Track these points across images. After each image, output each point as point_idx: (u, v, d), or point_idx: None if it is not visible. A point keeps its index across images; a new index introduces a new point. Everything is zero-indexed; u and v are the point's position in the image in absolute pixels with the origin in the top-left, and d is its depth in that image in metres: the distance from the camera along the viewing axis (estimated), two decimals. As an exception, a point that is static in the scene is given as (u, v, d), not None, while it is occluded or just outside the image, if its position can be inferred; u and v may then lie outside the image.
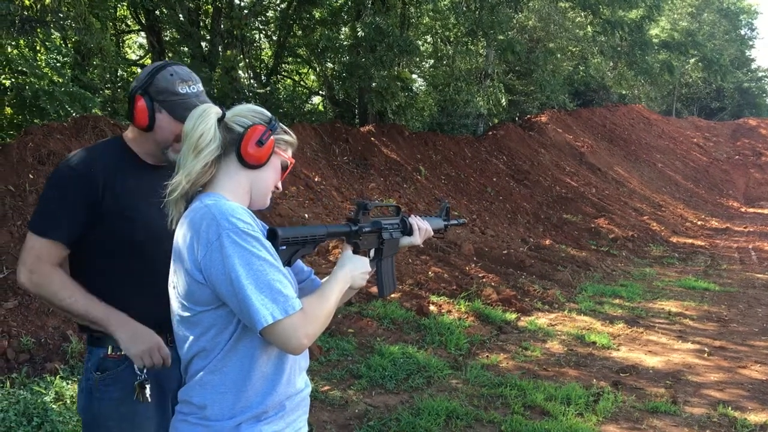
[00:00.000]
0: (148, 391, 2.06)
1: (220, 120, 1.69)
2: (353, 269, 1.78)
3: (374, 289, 7.15)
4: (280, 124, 1.76)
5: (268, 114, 1.74)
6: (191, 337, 1.62)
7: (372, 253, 1.98)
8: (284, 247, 1.66)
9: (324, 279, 1.79)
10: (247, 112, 1.72)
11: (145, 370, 2.07)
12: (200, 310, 1.59)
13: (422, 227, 2.10)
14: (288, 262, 1.68)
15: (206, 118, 1.65)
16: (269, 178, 1.75)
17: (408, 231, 2.08)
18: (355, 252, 1.86)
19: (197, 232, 1.55)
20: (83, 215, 2.03)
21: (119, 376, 2.06)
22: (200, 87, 2.17)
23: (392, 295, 7.27)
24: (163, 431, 2.13)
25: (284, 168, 1.79)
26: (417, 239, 2.09)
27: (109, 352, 2.07)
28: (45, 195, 2.08)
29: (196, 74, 2.18)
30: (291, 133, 1.82)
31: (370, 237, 1.93)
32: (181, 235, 1.61)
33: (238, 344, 1.59)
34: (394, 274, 2.10)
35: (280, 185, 1.80)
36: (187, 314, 1.61)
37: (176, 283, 1.63)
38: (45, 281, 2.02)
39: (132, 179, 2.10)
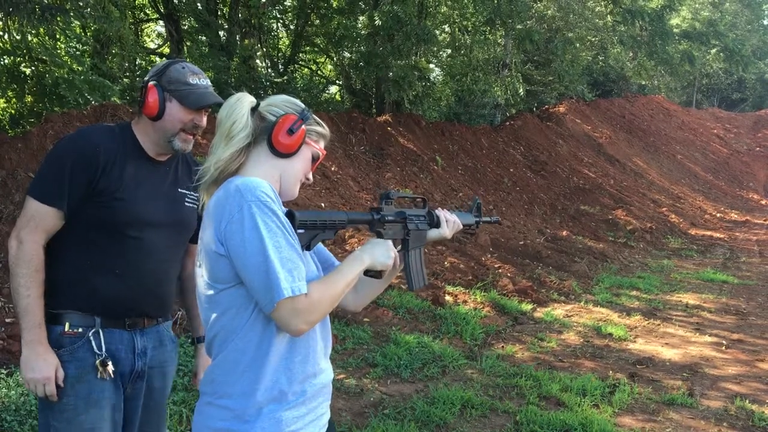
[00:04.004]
0: (110, 368, 2.11)
1: (254, 109, 1.71)
2: (367, 249, 1.76)
3: (393, 280, 7.15)
4: (314, 115, 1.77)
5: (302, 105, 1.76)
6: (213, 316, 1.65)
7: (399, 245, 1.95)
8: (303, 231, 1.67)
9: None
10: (280, 102, 1.74)
11: (104, 348, 2.12)
12: (221, 288, 1.61)
13: (450, 219, 2.06)
14: (308, 246, 1.68)
15: (239, 106, 1.68)
16: (299, 168, 1.76)
17: (435, 223, 2.03)
18: None
19: (222, 205, 1.58)
20: (82, 190, 2.08)
21: (75, 353, 2.10)
22: (209, 82, 2.25)
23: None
24: (118, 413, 2.18)
25: (315, 159, 1.80)
26: (446, 231, 2.03)
27: (66, 329, 2.10)
28: (48, 164, 2.13)
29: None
30: (323, 124, 1.82)
31: (394, 227, 1.91)
32: (207, 212, 1.64)
33: (257, 325, 1.61)
34: (423, 268, 2.03)
35: (310, 176, 1.81)
36: (210, 292, 1.64)
37: (201, 261, 1.66)
38: (23, 260, 2.06)
39: (131, 166, 2.16)
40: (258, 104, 1.73)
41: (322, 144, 1.82)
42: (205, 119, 2.23)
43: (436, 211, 2.05)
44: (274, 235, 1.53)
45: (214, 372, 1.67)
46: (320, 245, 1.91)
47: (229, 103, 1.70)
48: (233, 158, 1.67)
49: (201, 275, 1.67)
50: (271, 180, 1.70)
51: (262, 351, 1.61)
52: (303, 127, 1.71)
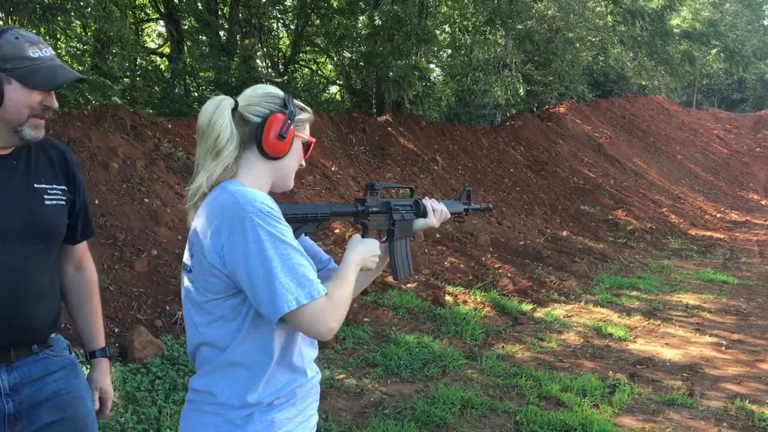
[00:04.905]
0: None
1: (234, 110, 1.63)
2: (363, 251, 1.74)
3: (390, 279, 7.17)
4: (295, 101, 1.70)
5: (281, 94, 1.68)
6: (200, 324, 1.61)
7: (385, 236, 1.95)
8: None
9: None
10: (260, 100, 1.65)
11: None
12: (211, 298, 1.56)
13: (437, 209, 2.05)
14: None
15: (220, 117, 1.59)
16: (293, 162, 1.72)
17: (422, 213, 2.02)
18: (364, 233, 1.85)
19: (219, 217, 1.52)
20: None
21: None
22: (51, 50, 1.84)
23: (408, 285, 7.27)
24: None
25: (306, 147, 1.76)
26: (432, 220, 2.03)
27: None
28: None
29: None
30: (306, 108, 1.75)
31: (379, 218, 1.90)
32: (200, 221, 1.58)
33: (249, 334, 1.57)
34: (409, 258, 2.02)
35: (303, 162, 1.77)
36: (198, 300, 1.60)
37: (192, 267, 1.61)
38: None
39: None
40: (236, 104, 1.64)
41: (308, 129, 1.76)
42: (54, 98, 1.86)
43: (423, 200, 2.04)
44: (278, 246, 1.48)
45: (202, 381, 1.63)
46: (311, 242, 1.90)
47: (207, 111, 1.61)
48: (225, 171, 1.62)
49: (189, 282, 1.62)
50: (263, 181, 1.68)
51: (252, 361, 1.58)
52: (292, 126, 1.65)
